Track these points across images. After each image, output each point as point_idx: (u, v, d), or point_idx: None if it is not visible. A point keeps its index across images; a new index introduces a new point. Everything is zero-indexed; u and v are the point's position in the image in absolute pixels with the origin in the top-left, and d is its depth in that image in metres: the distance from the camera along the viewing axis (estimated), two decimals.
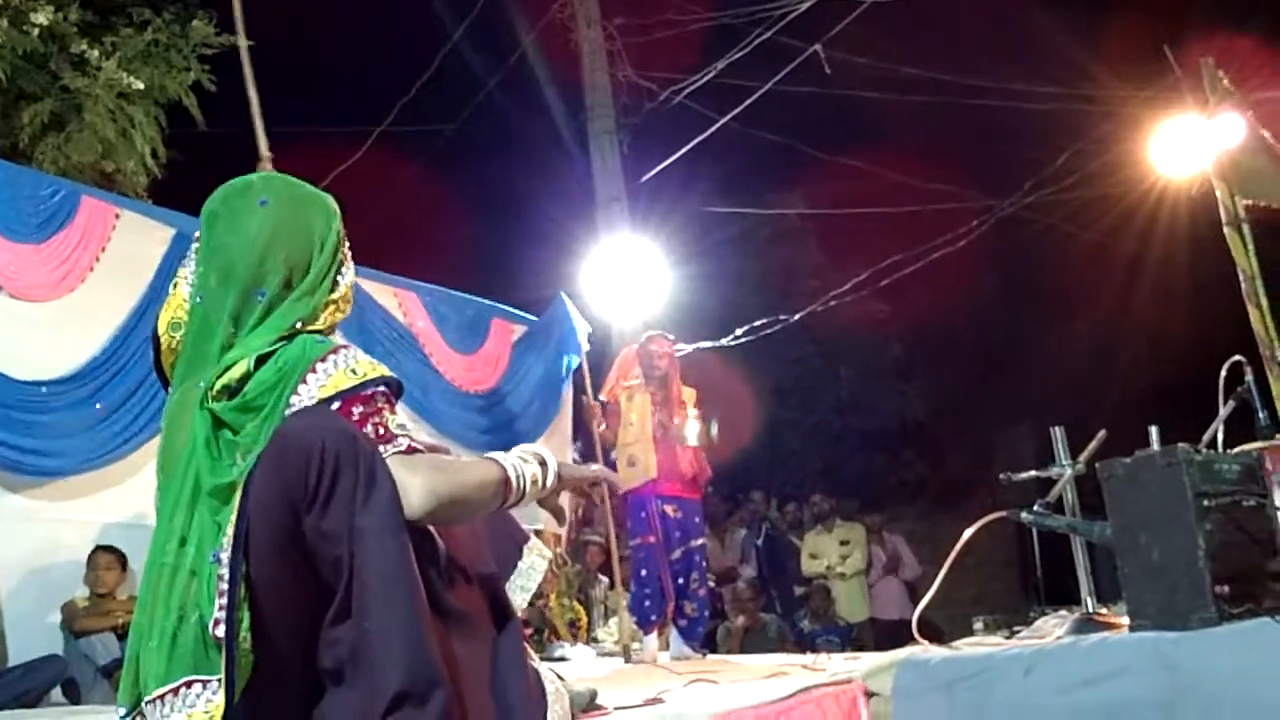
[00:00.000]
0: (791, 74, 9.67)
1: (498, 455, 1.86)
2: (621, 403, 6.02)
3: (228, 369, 1.76)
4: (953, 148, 11.30)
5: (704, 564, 5.95)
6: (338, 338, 1.93)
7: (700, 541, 5.92)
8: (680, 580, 5.75)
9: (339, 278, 1.93)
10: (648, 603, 5.72)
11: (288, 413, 1.69)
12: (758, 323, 10.55)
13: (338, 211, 1.99)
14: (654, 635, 5.77)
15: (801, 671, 3.76)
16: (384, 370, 1.80)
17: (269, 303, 1.84)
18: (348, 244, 2.00)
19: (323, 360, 1.74)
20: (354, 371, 1.75)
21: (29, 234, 5.59)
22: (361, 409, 1.73)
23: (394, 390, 1.81)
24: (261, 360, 1.76)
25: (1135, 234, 11.35)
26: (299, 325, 1.83)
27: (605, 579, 7.98)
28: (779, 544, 9.56)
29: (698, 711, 2.73)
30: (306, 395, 1.71)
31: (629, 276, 8.69)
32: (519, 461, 1.86)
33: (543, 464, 1.90)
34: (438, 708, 1.58)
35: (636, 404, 5.95)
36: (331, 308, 1.90)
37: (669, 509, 5.80)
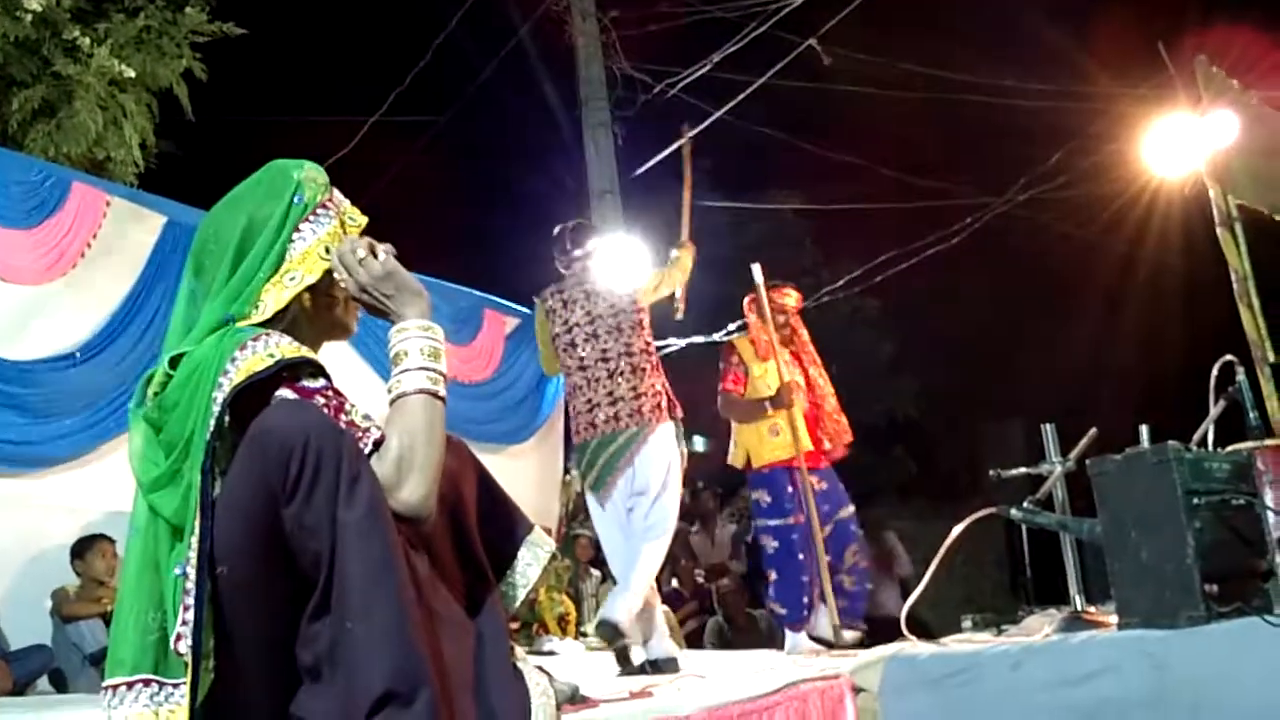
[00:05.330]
0: (786, 70, 9.67)
1: (412, 380, 1.76)
2: (749, 366, 5.31)
3: (151, 378, 1.76)
4: (946, 145, 11.33)
5: (859, 533, 5.25)
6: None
7: (851, 509, 5.26)
8: (833, 557, 5.06)
9: (289, 248, 1.83)
10: (805, 598, 5.05)
11: (215, 408, 1.63)
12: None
13: (296, 181, 1.87)
14: (804, 633, 5.07)
15: (790, 666, 3.75)
16: (307, 353, 1.73)
17: (201, 304, 1.83)
18: (321, 208, 1.88)
19: (242, 348, 1.68)
20: (271, 355, 1.68)
21: (19, 219, 5.58)
22: (324, 402, 1.70)
23: (317, 370, 1.74)
24: (176, 361, 1.73)
25: (1128, 233, 11.38)
26: (227, 323, 1.77)
27: (596, 573, 7.98)
28: None
29: (685, 706, 2.72)
30: (227, 383, 1.64)
31: (621, 268, 8.65)
32: (428, 365, 1.78)
33: (425, 330, 1.80)
34: (424, 708, 1.55)
35: (769, 364, 5.24)
36: (276, 289, 1.81)
37: (814, 480, 5.13)
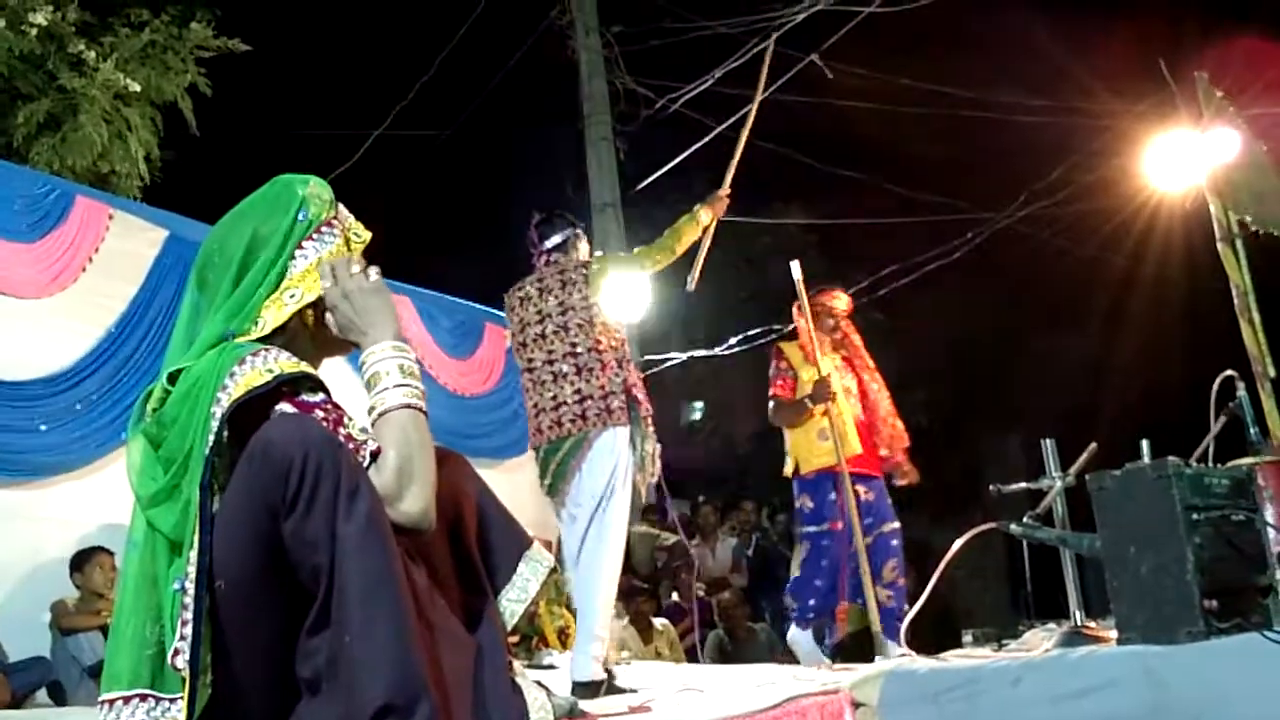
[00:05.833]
0: (789, 86, 9.68)
1: (396, 396, 1.77)
2: (798, 371, 5.20)
3: (151, 393, 1.77)
4: (949, 160, 11.32)
5: (900, 549, 5.12)
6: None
7: (895, 525, 5.13)
8: (871, 570, 4.92)
9: (290, 266, 1.84)
10: (813, 600, 5.04)
11: (214, 424, 1.63)
12: (752, 332, 10.55)
13: (301, 197, 1.87)
14: (809, 633, 5.09)
15: (790, 680, 3.74)
16: (306, 368, 1.74)
17: (203, 318, 1.84)
18: (326, 226, 1.88)
19: (241, 363, 1.68)
20: (270, 370, 1.69)
21: (22, 232, 5.61)
22: (323, 416, 1.71)
23: (316, 385, 1.75)
24: (175, 376, 1.73)
25: (1129, 248, 11.38)
26: (227, 339, 1.77)
27: None
28: (770, 554, 9.54)
29: None
30: (226, 399, 1.65)
31: (622, 283, 8.66)
32: (408, 384, 1.79)
33: (401, 351, 1.81)
34: None
35: (818, 369, 5.11)
36: (276, 306, 1.81)
37: (860, 489, 5.01)
